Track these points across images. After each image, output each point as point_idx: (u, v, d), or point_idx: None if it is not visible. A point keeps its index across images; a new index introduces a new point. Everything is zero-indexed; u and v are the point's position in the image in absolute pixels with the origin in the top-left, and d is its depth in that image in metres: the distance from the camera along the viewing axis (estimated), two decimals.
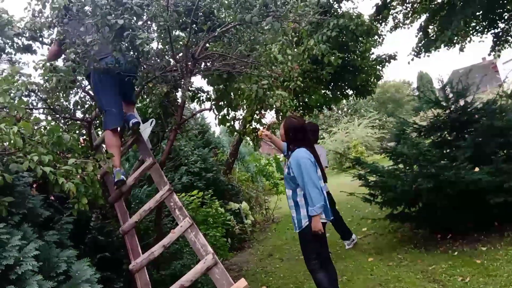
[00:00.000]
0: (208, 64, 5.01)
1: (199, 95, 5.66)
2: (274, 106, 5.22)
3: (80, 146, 3.86)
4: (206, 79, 5.49)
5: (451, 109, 5.32)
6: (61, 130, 3.02)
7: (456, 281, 4.05)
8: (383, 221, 6.02)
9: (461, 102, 5.44)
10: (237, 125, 6.28)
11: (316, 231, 3.65)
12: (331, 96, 10.49)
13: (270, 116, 7.46)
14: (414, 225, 5.73)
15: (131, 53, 3.40)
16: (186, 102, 7.32)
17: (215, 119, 6.45)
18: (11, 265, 2.39)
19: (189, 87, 5.45)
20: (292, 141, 3.92)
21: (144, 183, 6.93)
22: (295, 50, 7.16)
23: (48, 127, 2.98)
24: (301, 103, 9.64)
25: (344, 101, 32.41)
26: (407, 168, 5.49)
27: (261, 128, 5.77)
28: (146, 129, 4.19)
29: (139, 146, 4.10)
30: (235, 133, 6.30)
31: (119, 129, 3.94)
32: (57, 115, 3.97)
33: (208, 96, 5.63)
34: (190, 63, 4.11)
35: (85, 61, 3.42)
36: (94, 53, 3.30)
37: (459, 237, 5.17)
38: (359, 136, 22.18)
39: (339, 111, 33.06)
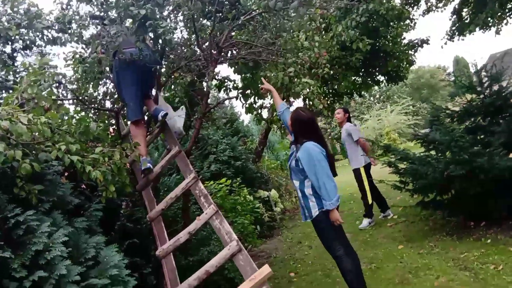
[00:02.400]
0: (234, 52, 5.01)
1: (226, 83, 5.69)
2: (302, 94, 5.16)
3: (109, 136, 3.96)
4: (233, 68, 5.51)
5: (485, 94, 5.13)
6: (89, 120, 3.08)
7: (488, 269, 3.95)
8: (414, 208, 5.91)
9: (496, 87, 5.25)
10: (265, 113, 6.26)
11: (338, 223, 3.63)
12: (361, 82, 10.34)
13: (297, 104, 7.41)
14: (446, 213, 5.60)
15: (155, 43, 3.43)
16: (214, 91, 7.36)
17: (243, 107, 6.48)
18: (40, 250, 2.48)
19: (215, 76, 5.48)
20: (299, 134, 3.86)
21: (173, 172, 7.04)
22: (323, 36, 7.04)
23: (76, 117, 3.05)
24: (330, 90, 9.53)
25: (376, 87, 31.87)
26: (439, 155, 5.35)
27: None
28: (180, 116, 4.22)
29: (166, 135, 4.15)
30: (263, 121, 6.29)
31: (143, 120, 4.02)
32: (86, 106, 4.06)
33: (235, 85, 5.64)
34: (215, 52, 4.11)
35: (110, 52, 3.47)
36: (118, 44, 3.35)
37: (493, 225, 5.02)
38: (391, 123, 21.81)
39: (371, 98, 32.52)
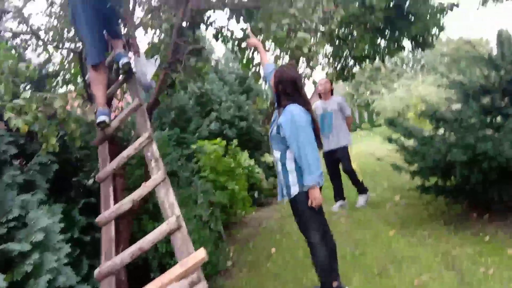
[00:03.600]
0: None
1: (223, 33, 5.16)
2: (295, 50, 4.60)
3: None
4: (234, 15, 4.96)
5: (506, 69, 4.45)
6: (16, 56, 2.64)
7: (477, 272, 3.47)
8: (415, 191, 5.41)
9: None
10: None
11: (317, 203, 3.18)
12: (384, 46, 9.55)
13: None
14: (449, 200, 5.07)
15: None
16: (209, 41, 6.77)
17: (239, 63, 5.95)
18: None
19: (210, 24, 4.96)
20: (283, 95, 3.36)
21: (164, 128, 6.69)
22: None
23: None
24: (347, 53, 8.79)
25: (410, 55, 30.39)
26: (446, 135, 4.78)
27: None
28: (148, 67, 3.77)
29: (129, 86, 3.73)
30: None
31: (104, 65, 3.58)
32: (44, 42, 3.64)
33: (233, 36, 5.12)
34: None
35: None
36: None
37: (497, 218, 4.49)
38: (421, 95, 20.74)
39: (404, 66, 31.08)
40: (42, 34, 3.64)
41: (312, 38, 5.49)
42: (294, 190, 3.28)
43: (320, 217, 3.39)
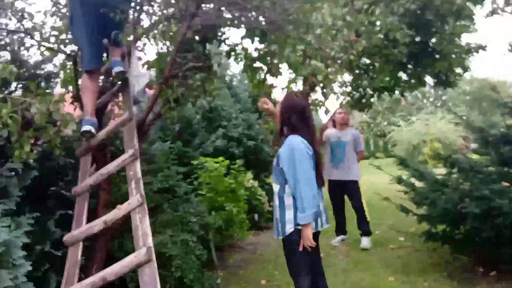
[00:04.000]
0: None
1: (237, 51, 4.94)
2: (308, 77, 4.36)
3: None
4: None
5: None
6: None
7: None
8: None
9: None
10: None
11: (307, 244, 2.89)
12: (405, 80, 9.27)
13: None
14: (455, 250, 4.72)
15: None
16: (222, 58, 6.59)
17: (249, 83, 5.71)
18: None
19: (224, 41, 4.74)
20: (286, 124, 3.10)
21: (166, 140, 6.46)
22: (360, 17, 5.97)
23: None
24: (362, 82, 8.51)
25: (432, 90, 29.86)
26: (461, 181, 4.45)
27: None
28: (141, 78, 3.56)
29: (123, 97, 3.51)
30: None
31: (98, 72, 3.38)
32: (37, 42, 3.45)
33: (247, 55, 4.90)
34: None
35: None
36: None
37: (505, 277, 4.14)
38: (439, 131, 20.26)
39: (424, 100, 30.63)
40: (37, 33, 3.43)
41: (329, 66, 5.26)
42: (289, 228, 2.99)
43: (313, 258, 3.09)
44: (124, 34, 3.27)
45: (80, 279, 2.61)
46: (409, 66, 8.62)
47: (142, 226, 2.54)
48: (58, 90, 4.56)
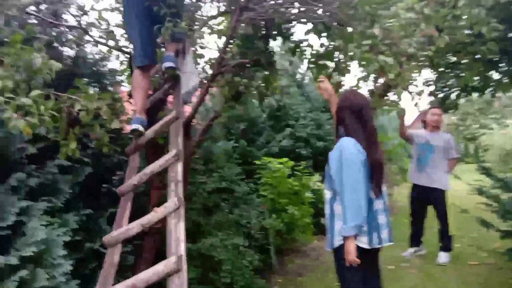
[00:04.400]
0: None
1: (302, 48, 4.69)
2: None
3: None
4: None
5: None
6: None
7: None
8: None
9: None
10: None
11: (348, 259, 2.57)
12: (496, 79, 8.41)
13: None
14: None
15: None
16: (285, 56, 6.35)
17: (313, 80, 5.42)
18: None
19: (287, 36, 4.52)
20: (342, 125, 2.78)
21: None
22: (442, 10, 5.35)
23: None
24: (446, 81, 7.81)
25: None
26: None
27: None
28: (192, 79, 3.41)
29: (174, 95, 3.38)
30: None
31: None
32: (93, 39, 3.43)
33: (312, 51, 4.64)
34: None
35: None
36: None
37: None
38: None
39: None
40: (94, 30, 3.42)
41: (403, 63, 4.83)
42: (338, 240, 2.69)
43: (365, 275, 2.76)
44: (178, 28, 3.14)
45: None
46: (502, 64, 7.80)
47: (176, 232, 2.38)
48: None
